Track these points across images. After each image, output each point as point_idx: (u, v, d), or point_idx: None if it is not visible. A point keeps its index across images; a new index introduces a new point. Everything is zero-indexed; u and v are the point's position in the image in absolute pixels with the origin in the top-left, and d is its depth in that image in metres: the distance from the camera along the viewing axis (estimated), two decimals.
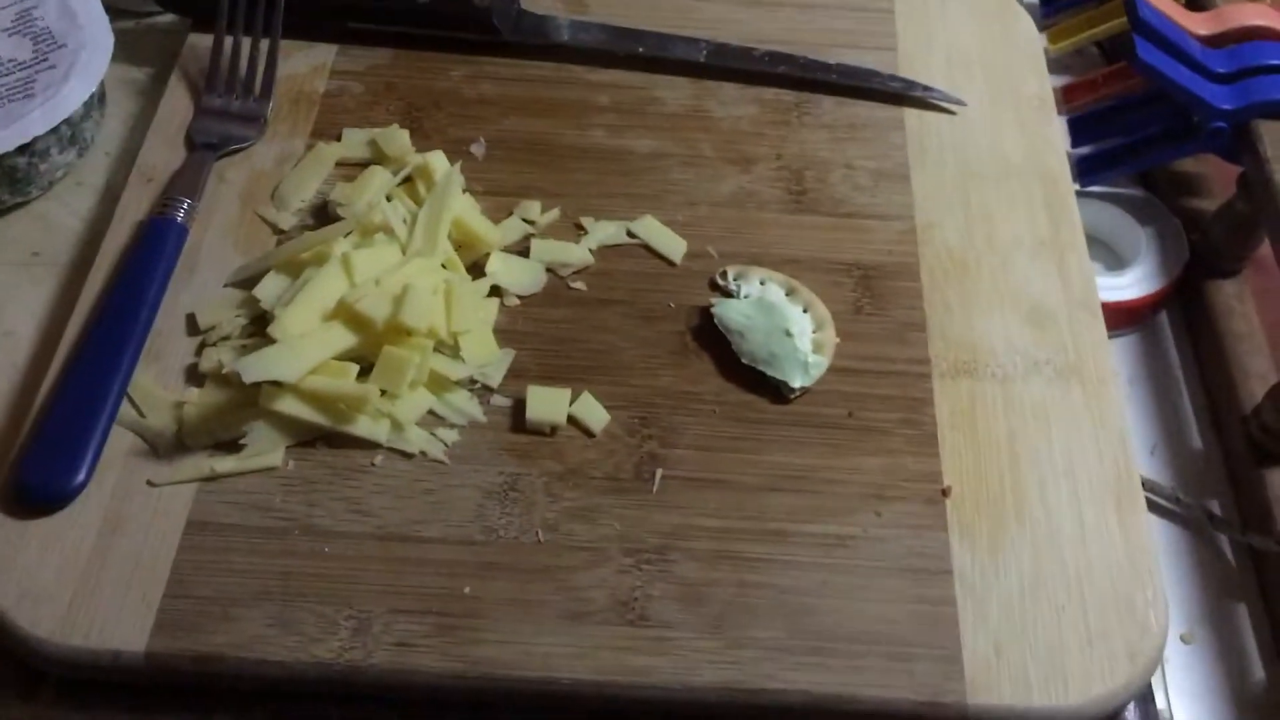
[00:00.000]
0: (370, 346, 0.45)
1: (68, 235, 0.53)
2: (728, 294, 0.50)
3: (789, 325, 0.48)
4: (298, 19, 0.57)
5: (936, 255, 0.52)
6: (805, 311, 0.49)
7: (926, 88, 0.58)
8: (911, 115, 0.57)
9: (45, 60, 0.53)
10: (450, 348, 0.47)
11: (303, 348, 0.44)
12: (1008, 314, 0.50)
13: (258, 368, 0.43)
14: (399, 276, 0.46)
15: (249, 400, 0.44)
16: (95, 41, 0.55)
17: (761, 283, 0.50)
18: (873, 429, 0.46)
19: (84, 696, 0.41)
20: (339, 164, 0.53)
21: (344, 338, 0.45)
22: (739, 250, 0.52)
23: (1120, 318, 0.58)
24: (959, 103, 0.58)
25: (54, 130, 0.52)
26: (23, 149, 0.51)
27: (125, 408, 0.45)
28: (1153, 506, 0.52)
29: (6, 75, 0.53)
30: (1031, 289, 0.51)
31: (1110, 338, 0.50)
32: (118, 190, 0.54)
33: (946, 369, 0.48)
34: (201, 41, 0.57)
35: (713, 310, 0.49)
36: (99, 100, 0.56)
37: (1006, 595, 0.43)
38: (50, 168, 0.53)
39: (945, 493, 0.45)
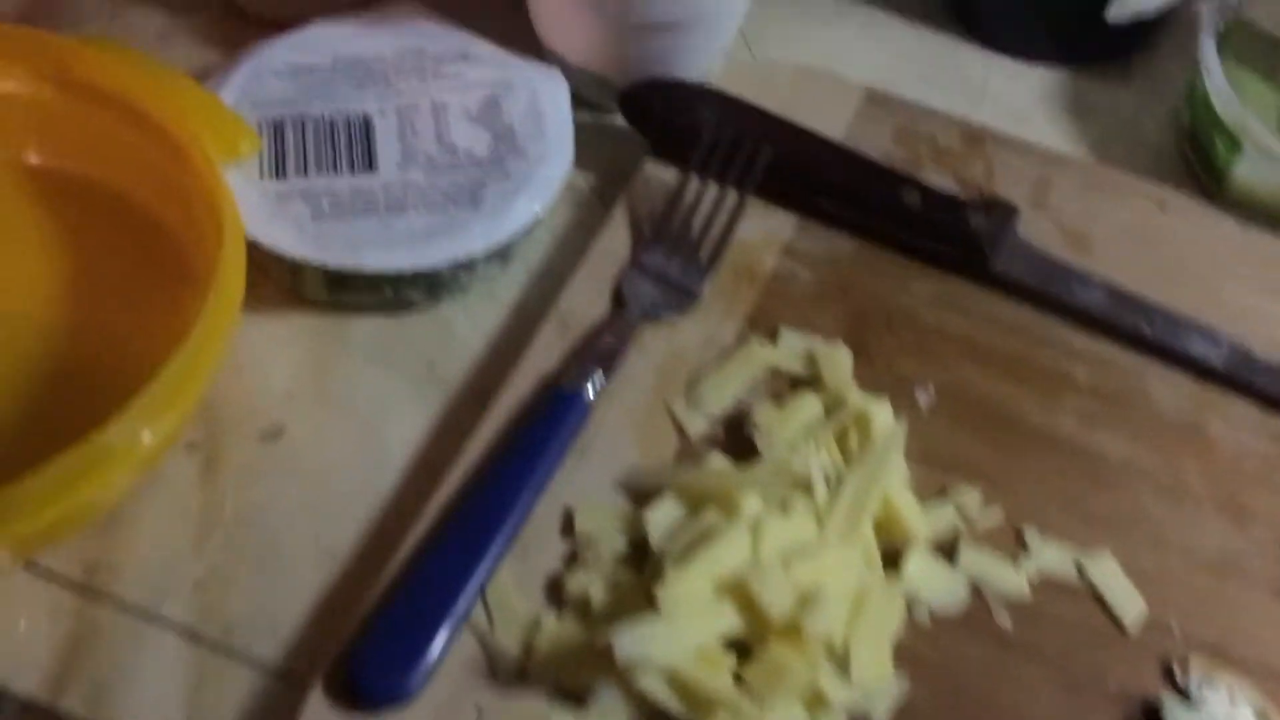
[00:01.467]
0: (753, 631, 0.39)
1: (466, 352, 0.49)
2: (1182, 693, 0.40)
3: None
4: (769, 181, 0.51)
5: None
6: None
7: None
8: None
9: (501, 166, 0.49)
10: (838, 658, 0.40)
11: (686, 627, 0.38)
12: None
13: (635, 644, 0.37)
14: (811, 567, 0.39)
15: (608, 652, 0.39)
16: (555, 154, 0.50)
17: (1230, 696, 0.40)
18: None
19: None
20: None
21: (730, 620, 0.39)
22: (1207, 634, 0.42)
23: None
24: None
25: None
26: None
27: (477, 608, 0.41)
28: None
29: (456, 170, 0.49)
30: None
31: None
32: (529, 310, 0.50)
33: None
34: (656, 173, 0.52)
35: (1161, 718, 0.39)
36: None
37: None
38: (471, 279, 0.49)
39: None
